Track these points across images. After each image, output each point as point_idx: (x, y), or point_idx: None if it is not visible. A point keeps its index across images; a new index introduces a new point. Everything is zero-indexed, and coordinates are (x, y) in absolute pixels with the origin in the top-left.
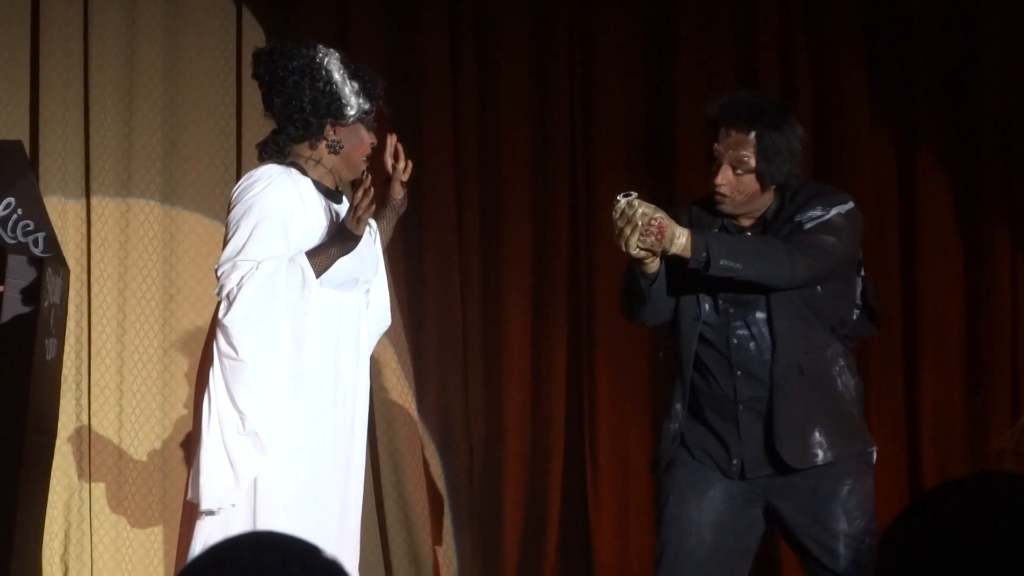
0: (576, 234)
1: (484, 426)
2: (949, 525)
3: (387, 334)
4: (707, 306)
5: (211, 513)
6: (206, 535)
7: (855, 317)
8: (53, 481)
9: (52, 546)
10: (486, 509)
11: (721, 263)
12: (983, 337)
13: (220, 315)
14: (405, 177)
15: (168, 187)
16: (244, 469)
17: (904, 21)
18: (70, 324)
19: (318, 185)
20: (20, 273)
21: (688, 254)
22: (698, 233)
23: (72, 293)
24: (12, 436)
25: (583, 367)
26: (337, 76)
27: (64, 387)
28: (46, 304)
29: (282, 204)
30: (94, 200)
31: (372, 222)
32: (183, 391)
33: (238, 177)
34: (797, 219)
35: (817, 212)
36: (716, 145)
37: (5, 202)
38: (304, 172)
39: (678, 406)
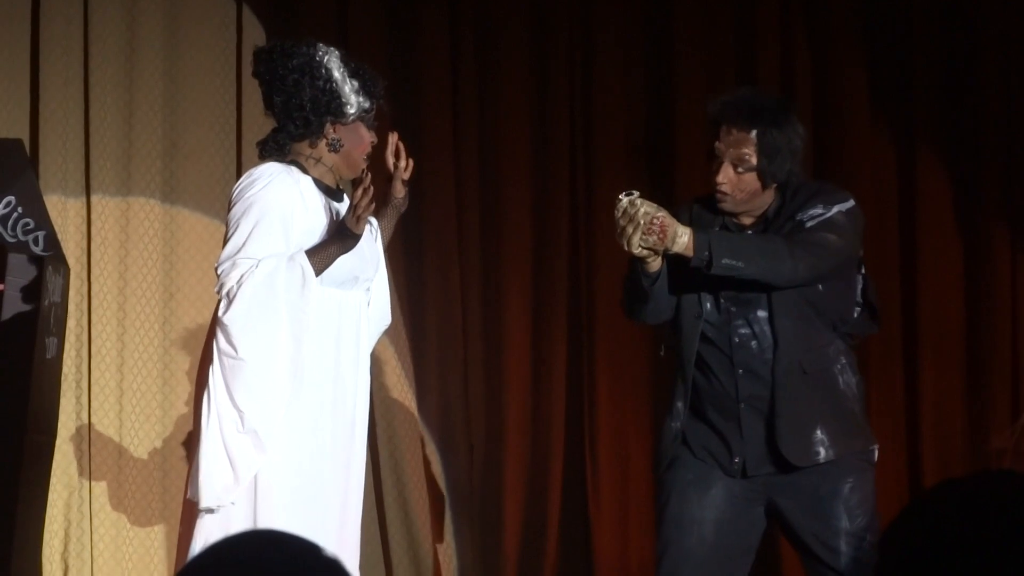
0: (576, 234)
1: (484, 425)
2: (949, 524)
3: (387, 333)
4: (709, 305)
5: (211, 511)
6: (206, 534)
7: (856, 315)
8: (53, 480)
9: (52, 545)
10: (486, 508)
11: (723, 262)
12: (983, 337)
13: (220, 313)
14: (406, 176)
15: (168, 185)
16: (243, 467)
17: (904, 21)
18: (70, 323)
19: (318, 183)
20: (20, 272)
21: (690, 253)
22: (700, 232)
23: (72, 291)
24: (12, 435)
25: (583, 367)
26: (337, 74)
27: (64, 386)
28: (46, 303)
29: (282, 202)
30: (94, 198)
31: (373, 220)
32: (183, 389)
33: (238, 175)
34: (798, 217)
35: (818, 210)
36: (717, 143)
37: (5, 200)
38: (304, 170)
39: (680, 405)
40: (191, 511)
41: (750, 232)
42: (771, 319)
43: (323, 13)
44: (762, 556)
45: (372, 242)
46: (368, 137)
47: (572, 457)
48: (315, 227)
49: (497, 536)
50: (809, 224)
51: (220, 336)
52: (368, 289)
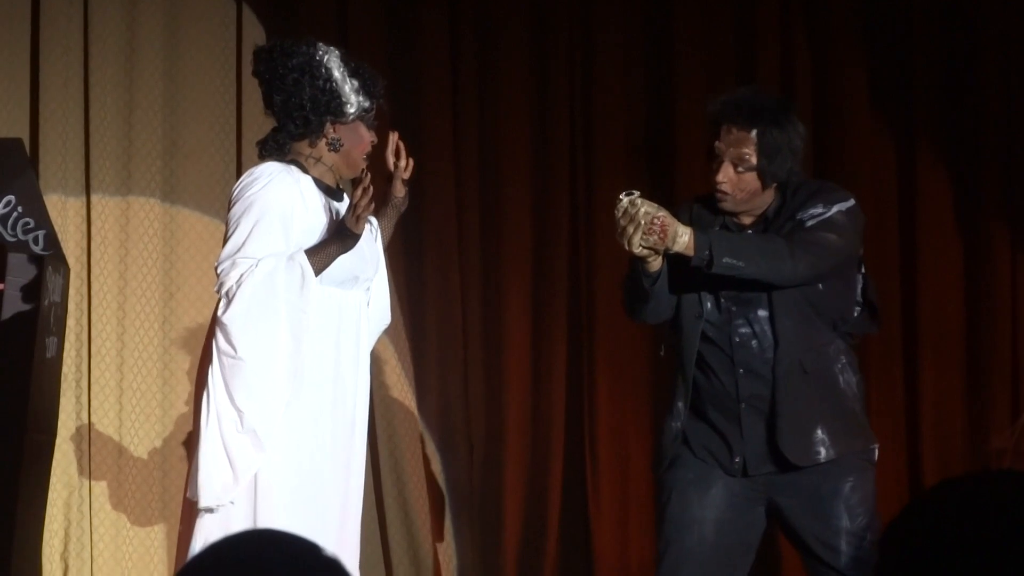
0: (576, 234)
1: (484, 425)
2: (949, 524)
3: (387, 332)
4: (709, 304)
5: (210, 511)
6: (206, 533)
7: (856, 314)
8: (53, 479)
9: (52, 544)
10: (486, 507)
11: (724, 261)
12: (983, 337)
13: (219, 313)
14: (407, 175)
15: (168, 185)
16: (242, 467)
17: (904, 21)
18: (70, 322)
19: (318, 183)
20: (20, 271)
21: (690, 252)
22: (700, 231)
23: (72, 291)
24: (12, 434)
25: (583, 367)
26: (337, 74)
27: (64, 385)
28: (46, 302)
29: (282, 202)
30: (94, 198)
31: (373, 220)
32: (183, 389)
33: (238, 175)
34: (798, 217)
35: (818, 209)
36: (717, 143)
37: (5, 200)
38: (304, 170)
39: (680, 404)
40: (191, 511)
41: (750, 232)
42: (772, 318)
43: (323, 13)
44: (762, 556)
45: (372, 242)
46: (368, 136)
47: (572, 457)
48: (315, 226)
49: (497, 536)
50: (809, 223)
51: (219, 335)
52: (368, 289)
